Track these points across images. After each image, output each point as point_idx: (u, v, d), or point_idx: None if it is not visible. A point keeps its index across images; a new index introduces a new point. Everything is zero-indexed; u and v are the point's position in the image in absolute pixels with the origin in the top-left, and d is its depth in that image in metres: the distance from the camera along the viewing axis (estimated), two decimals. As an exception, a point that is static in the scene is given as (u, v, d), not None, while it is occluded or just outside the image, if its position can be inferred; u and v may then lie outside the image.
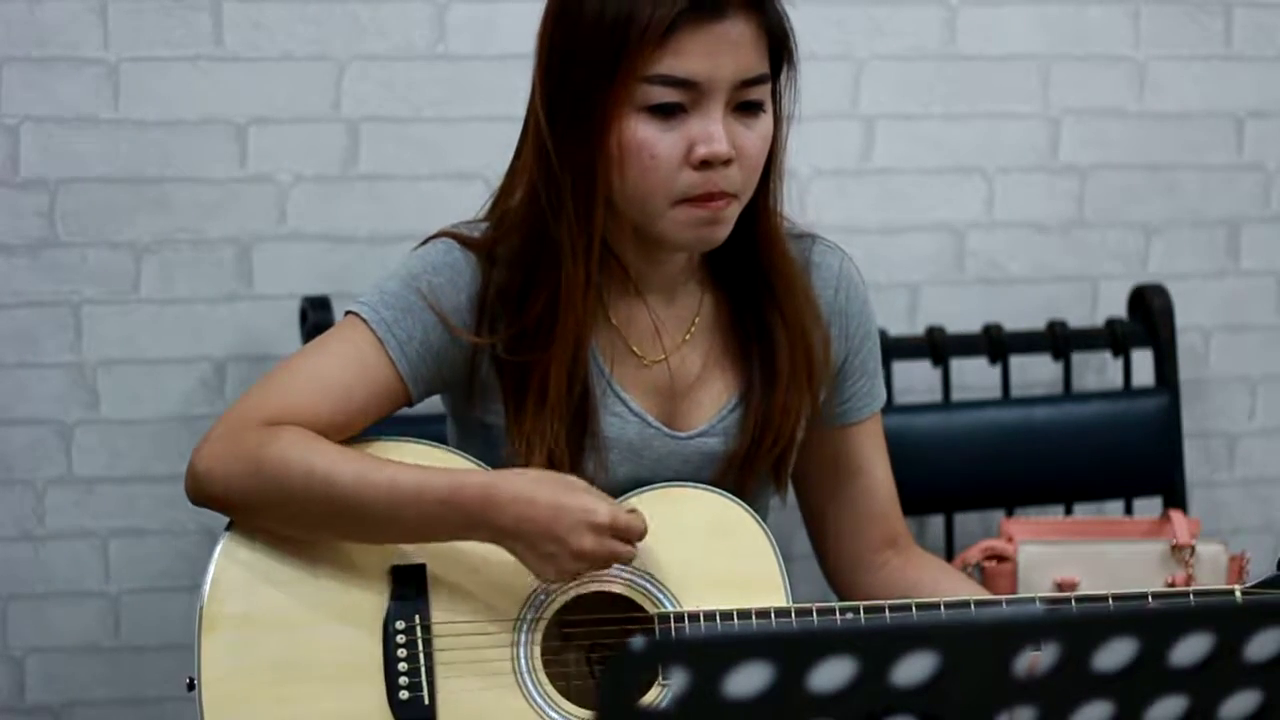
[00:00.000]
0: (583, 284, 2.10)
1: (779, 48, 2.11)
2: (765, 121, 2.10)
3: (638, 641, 1.36)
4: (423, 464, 2.08)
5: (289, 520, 2.10)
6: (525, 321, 2.12)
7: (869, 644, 1.38)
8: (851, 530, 2.31)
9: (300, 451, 2.07)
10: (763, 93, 2.09)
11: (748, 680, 1.36)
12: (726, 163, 2.06)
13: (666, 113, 2.05)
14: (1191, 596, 2.13)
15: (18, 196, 2.88)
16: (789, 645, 1.38)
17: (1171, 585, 2.72)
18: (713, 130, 2.05)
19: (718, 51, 2.04)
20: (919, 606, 2.12)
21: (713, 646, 1.37)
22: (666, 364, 2.20)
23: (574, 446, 2.15)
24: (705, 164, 2.06)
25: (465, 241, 2.16)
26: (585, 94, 2.05)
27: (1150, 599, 2.13)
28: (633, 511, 2.07)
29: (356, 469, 2.06)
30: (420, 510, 2.05)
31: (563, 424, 2.13)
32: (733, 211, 2.10)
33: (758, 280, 2.20)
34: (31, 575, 2.94)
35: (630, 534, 2.05)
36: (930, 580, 2.26)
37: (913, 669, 1.39)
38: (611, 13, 2.04)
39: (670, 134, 2.06)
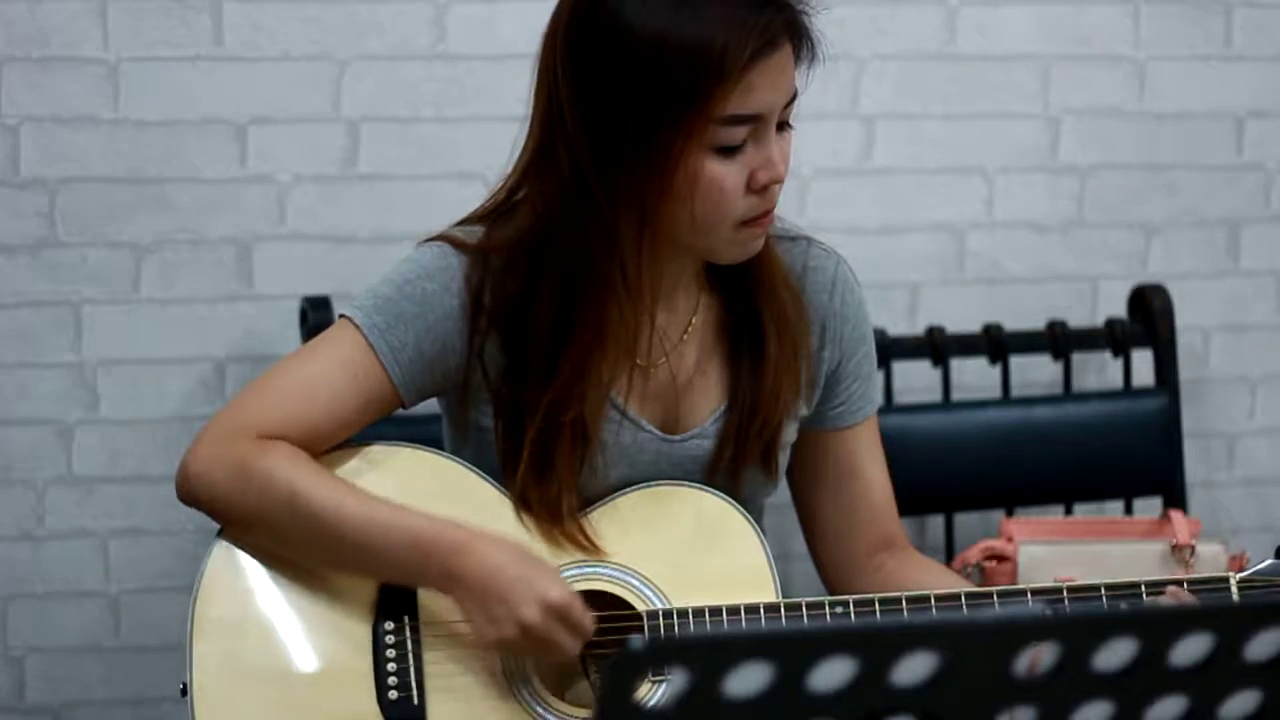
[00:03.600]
0: (641, 320, 2.11)
1: (801, 58, 2.10)
2: (791, 131, 2.11)
3: (637, 641, 1.36)
4: (408, 507, 2.08)
5: (270, 536, 2.10)
6: (542, 354, 2.11)
7: (869, 644, 1.38)
8: (847, 533, 2.31)
9: (285, 470, 2.07)
10: (794, 107, 2.10)
11: (748, 680, 1.36)
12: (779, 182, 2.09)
13: (733, 148, 2.05)
14: (1185, 584, 2.13)
15: (18, 196, 2.88)
16: (789, 645, 1.38)
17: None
18: (773, 155, 2.06)
19: (777, 82, 2.04)
20: (909, 600, 2.12)
21: (713, 646, 1.37)
22: (665, 366, 2.20)
23: (576, 458, 2.14)
24: (764, 187, 2.07)
25: (461, 246, 2.16)
26: (648, 134, 2.02)
27: (1143, 588, 2.13)
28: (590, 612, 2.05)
29: (336, 495, 2.07)
30: (388, 545, 2.05)
31: (564, 441, 2.13)
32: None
33: (746, 275, 2.19)
34: (31, 575, 2.94)
35: (578, 626, 2.03)
36: (926, 583, 2.25)
37: (913, 669, 1.39)
38: (674, 49, 2.00)
39: (734, 165, 2.05)
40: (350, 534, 2.06)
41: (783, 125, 2.09)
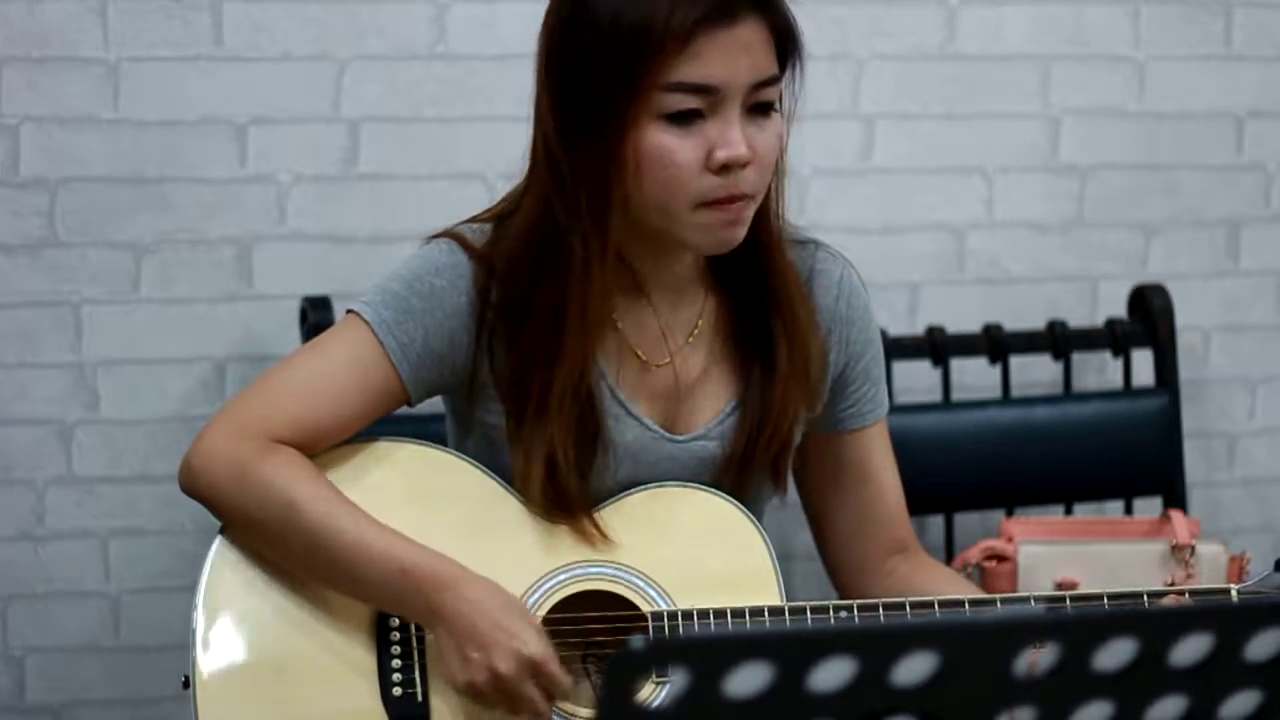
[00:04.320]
0: (596, 295, 2.10)
1: (786, 47, 2.11)
2: (776, 121, 2.10)
3: (638, 641, 1.36)
4: (402, 532, 2.08)
5: (263, 542, 2.11)
6: (531, 334, 2.11)
7: (869, 644, 1.38)
8: (858, 536, 2.30)
9: (283, 480, 2.07)
10: (774, 93, 2.09)
11: (748, 680, 1.36)
12: (744, 165, 2.06)
13: (685, 119, 2.04)
14: (1187, 594, 2.13)
15: (18, 196, 2.88)
16: (789, 645, 1.38)
17: (1170, 585, 2.72)
18: (731, 134, 2.05)
19: (733, 55, 2.04)
20: (913, 605, 2.12)
21: (713, 646, 1.38)
22: (670, 367, 2.20)
23: (580, 450, 2.14)
24: (725, 168, 2.05)
25: (468, 244, 2.16)
26: (600, 104, 2.04)
27: (1145, 598, 2.13)
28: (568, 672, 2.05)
29: (331, 513, 2.07)
30: (375, 571, 2.05)
31: (565, 430, 2.13)
32: (750, 212, 2.10)
33: (757, 281, 2.20)
34: (31, 575, 2.94)
35: (550, 682, 2.02)
36: (937, 588, 2.24)
37: (913, 669, 1.39)
38: (626, 21, 2.02)
39: (689, 140, 2.05)
40: (339, 556, 2.06)
41: (762, 109, 2.08)
